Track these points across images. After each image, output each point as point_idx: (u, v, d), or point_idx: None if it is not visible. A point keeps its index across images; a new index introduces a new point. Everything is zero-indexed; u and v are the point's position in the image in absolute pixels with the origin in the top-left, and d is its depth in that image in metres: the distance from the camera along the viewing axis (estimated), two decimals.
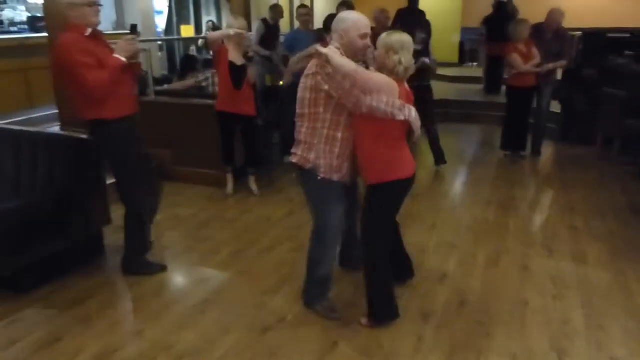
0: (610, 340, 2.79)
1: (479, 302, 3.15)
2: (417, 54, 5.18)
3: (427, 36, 5.44)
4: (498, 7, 8.66)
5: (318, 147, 2.70)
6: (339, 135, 2.69)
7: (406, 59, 2.61)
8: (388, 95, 2.53)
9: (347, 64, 2.51)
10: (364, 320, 2.86)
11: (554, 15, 5.95)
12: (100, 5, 3.14)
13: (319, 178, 2.72)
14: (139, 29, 3.42)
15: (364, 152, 2.71)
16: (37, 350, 2.71)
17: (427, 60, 5.35)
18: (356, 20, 2.67)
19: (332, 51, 2.54)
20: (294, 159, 2.79)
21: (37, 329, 2.89)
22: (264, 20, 6.96)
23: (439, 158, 5.77)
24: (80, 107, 3.19)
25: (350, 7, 5.45)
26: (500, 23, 8.27)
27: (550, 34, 5.95)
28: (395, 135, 2.67)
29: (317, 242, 2.89)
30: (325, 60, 2.52)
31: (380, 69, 2.66)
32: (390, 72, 2.62)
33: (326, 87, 2.59)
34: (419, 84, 5.36)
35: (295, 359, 2.63)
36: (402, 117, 2.56)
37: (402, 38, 2.64)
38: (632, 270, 3.54)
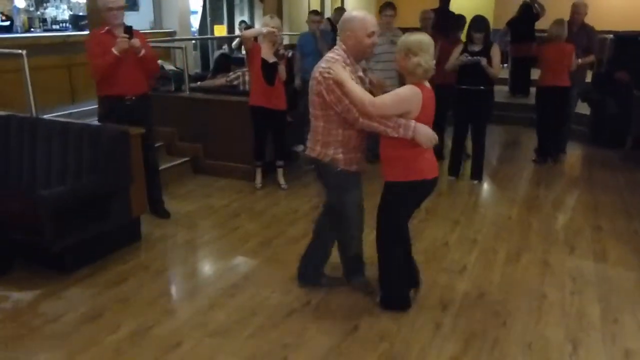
0: (625, 334, 2.86)
1: (498, 294, 3.25)
2: (476, 56, 4.99)
3: (485, 35, 5.05)
4: (523, 9, 8.67)
5: (335, 144, 2.82)
6: (354, 132, 2.81)
7: (425, 60, 2.62)
8: (407, 111, 2.64)
9: (360, 93, 2.61)
10: (378, 298, 3.05)
11: (579, 9, 6.01)
12: (120, 9, 3.96)
13: (338, 170, 2.85)
14: (176, 28, 3.84)
15: (385, 151, 2.80)
16: (81, 324, 2.93)
17: (477, 59, 4.93)
18: (363, 18, 2.74)
19: (346, 76, 2.63)
20: (312, 154, 2.91)
21: (80, 305, 3.11)
22: (330, 20, 7.34)
23: (476, 173, 5.45)
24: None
25: (394, 7, 5.62)
26: (524, 24, 8.30)
27: (575, 28, 5.96)
28: None
29: (341, 224, 3.05)
30: (339, 85, 2.64)
31: (401, 70, 2.74)
32: (410, 74, 2.67)
33: (328, 98, 2.71)
34: (468, 87, 5.11)
35: (319, 339, 2.78)
36: (395, 134, 2.66)
37: (421, 38, 2.65)
38: None
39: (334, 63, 2.70)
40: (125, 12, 4.14)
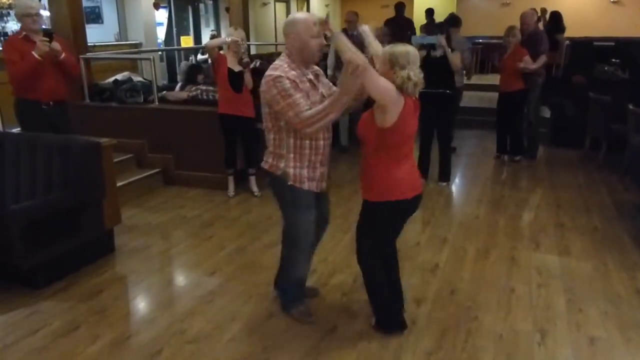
0: (589, 322, 3.01)
1: (468, 290, 3.37)
2: (437, 60, 5.12)
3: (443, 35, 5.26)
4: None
5: (287, 157, 2.67)
6: (307, 143, 2.65)
7: (415, 74, 2.44)
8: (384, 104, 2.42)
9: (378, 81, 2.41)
10: (373, 320, 2.92)
11: (525, 20, 6.23)
12: (38, 15, 4.09)
13: (288, 184, 2.69)
14: (142, 40, 3.85)
15: (364, 165, 2.64)
16: (57, 337, 2.90)
17: (435, 37, 5.17)
18: (306, 19, 2.59)
19: (367, 66, 2.37)
20: (265, 166, 2.77)
21: (55, 319, 3.08)
22: (344, 30, 7.09)
23: (443, 175, 5.61)
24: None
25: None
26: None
27: (524, 37, 6.11)
28: (399, 149, 2.54)
29: (289, 245, 2.94)
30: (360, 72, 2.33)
31: None
32: (397, 88, 2.44)
33: (268, 108, 2.62)
34: (432, 90, 5.02)
35: (299, 340, 2.83)
36: (343, 103, 2.45)
37: (408, 50, 2.46)
38: (613, 261, 3.76)
39: (278, 69, 2.55)
40: (89, 25, 4.18)
